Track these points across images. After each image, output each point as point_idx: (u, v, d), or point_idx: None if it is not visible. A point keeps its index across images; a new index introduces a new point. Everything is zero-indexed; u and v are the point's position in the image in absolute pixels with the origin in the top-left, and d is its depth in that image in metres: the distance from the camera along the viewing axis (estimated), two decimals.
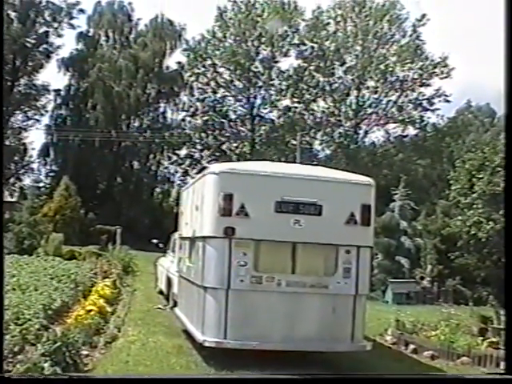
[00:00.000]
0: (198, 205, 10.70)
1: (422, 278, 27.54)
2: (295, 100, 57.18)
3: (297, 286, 9.90)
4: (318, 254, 10.21)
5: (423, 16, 54.90)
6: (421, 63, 55.13)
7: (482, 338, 12.64)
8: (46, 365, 7.34)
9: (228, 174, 9.97)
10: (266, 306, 9.83)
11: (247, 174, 10.09)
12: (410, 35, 55.55)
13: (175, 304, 13.38)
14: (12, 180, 52.24)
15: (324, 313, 10.04)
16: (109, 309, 13.49)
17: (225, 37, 56.62)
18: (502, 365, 9.74)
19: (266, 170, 10.29)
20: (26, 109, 52.29)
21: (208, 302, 9.82)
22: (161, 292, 17.89)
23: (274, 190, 9.92)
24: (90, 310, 11.86)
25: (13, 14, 47.75)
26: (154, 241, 20.25)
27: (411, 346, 12.54)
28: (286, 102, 57.69)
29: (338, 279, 10.08)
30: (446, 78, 55.06)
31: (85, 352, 9.49)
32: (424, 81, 55.60)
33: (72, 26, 52.29)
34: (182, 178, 58.85)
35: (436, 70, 54.95)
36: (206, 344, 9.74)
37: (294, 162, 43.93)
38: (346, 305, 10.11)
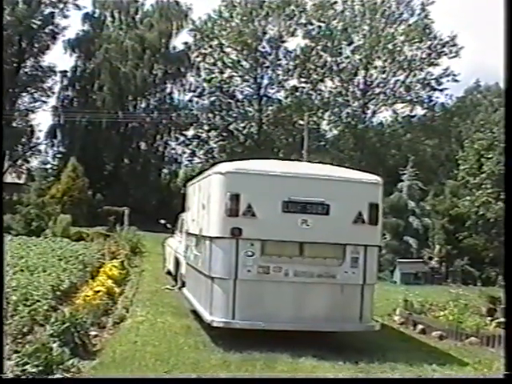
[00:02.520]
0: (205, 204, 10.62)
1: (431, 258, 27.54)
2: (302, 80, 56.94)
3: (304, 276, 9.87)
4: (326, 247, 10.15)
5: None
6: (429, 42, 54.73)
7: (490, 318, 12.62)
8: (54, 345, 7.35)
9: (235, 174, 9.86)
10: (274, 294, 9.82)
11: (254, 174, 9.97)
12: (419, 14, 55.12)
13: (183, 284, 13.38)
14: (19, 162, 52.27)
15: (332, 295, 10.03)
16: (117, 289, 13.51)
17: (231, 16, 56.29)
18: None
19: (273, 170, 10.17)
20: (33, 90, 52.09)
21: (215, 291, 9.83)
22: (169, 272, 17.91)
23: (282, 190, 9.85)
24: (98, 291, 11.87)
25: None
26: (162, 221, 20.20)
27: (419, 327, 12.51)
28: (294, 81, 57.63)
29: (345, 269, 10.04)
30: (454, 57, 54.80)
31: (93, 332, 9.52)
32: (432, 60, 55.23)
33: (78, 7, 51.87)
34: (190, 158, 59.06)
35: (444, 50, 54.60)
36: (214, 324, 9.74)
37: (302, 143, 43.86)
38: (354, 291, 10.12)
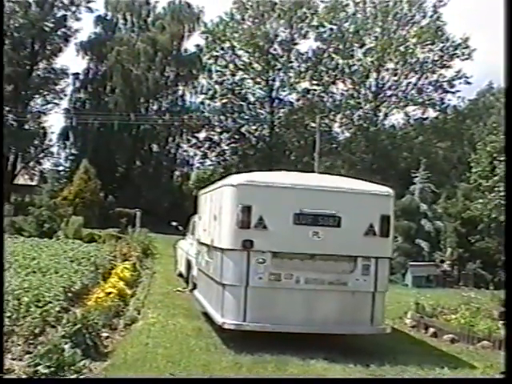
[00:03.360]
0: (217, 215, 10.63)
1: (442, 262, 27.41)
2: (314, 82, 56.85)
3: (315, 283, 9.87)
4: (337, 258, 10.16)
5: None
6: (441, 45, 54.46)
7: (502, 321, 12.54)
8: (66, 346, 7.37)
9: (246, 186, 9.86)
10: (285, 299, 9.82)
11: (266, 186, 9.93)
12: (431, 16, 54.79)
13: (195, 286, 13.39)
14: (32, 164, 52.59)
15: (343, 299, 10.04)
16: (128, 291, 13.53)
17: (243, 19, 56.35)
18: None
19: (285, 182, 10.16)
20: (45, 93, 52.39)
21: (226, 297, 9.86)
22: (180, 274, 17.94)
23: (293, 202, 9.84)
24: (110, 293, 11.90)
25: None
26: (174, 223, 20.23)
27: (431, 330, 12.46)
28: (305, 84, 57.48)
29: (356, 276, 10.04)
30: (467, 59, 54.45)
31: (105, 334, 9.54)
32: (444, 62, 54.98)
33: (90, 10, 52.22)
34: (201, 160, 59.15)
35: (457, 52, 54.32)
36: (226, 326, 9.76)
37: (314, 146, 43.81)
38: (366, 298, 10.13)
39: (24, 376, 6.76)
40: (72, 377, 6.87)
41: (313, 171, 41.21)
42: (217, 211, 10.63)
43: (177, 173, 57.77)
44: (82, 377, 7.00)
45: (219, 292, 10.07)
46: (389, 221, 10.24)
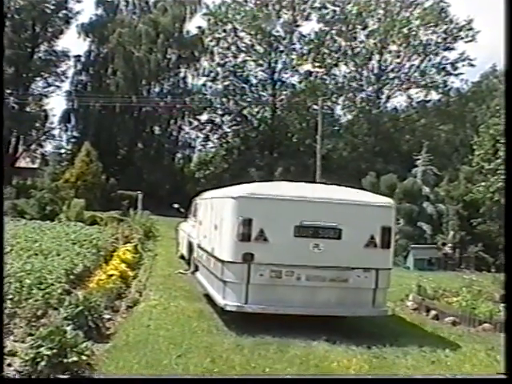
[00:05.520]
0: (217, 225, 10.68)
1: (444, 244, 27.40)
2: (316, 64, 56.62)
3: (317, 280, 9.93)
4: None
5: None
6: (445, 26, 54.14)
7: (503, 304, 12.56)
8: (68, 328, 7.39)
9: (247, 199, 9.88)
10: (286, 295, 9.89)
11: (266, 199, 9.94)
12: None
13: (196, 268, 13.43)
14: (33, 146, 52.53)
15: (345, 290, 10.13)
16: (130, 273, 13.58)
17: (245, 1, 56.02)
18: None
19: (285, 194, 10.15)
20: (47, 75, 52.20)
21: (228, 292, 9.92)
22: (182, 257, 17.96)
23: (294, 214, 9.88)
24: (112, 275, 11.93)
25: None
26: (175, 206, 20.26)
27: (432, 312, 12.49)
28: (308, 66, 57.28)
29: (358, 273, 10.09)
30: (470, 41, 54.18)
31: (107, 316, 9.58)
32: (448, 45, 54.73)
33: None
34: (203, 143, 59.08)
35: (460, 34, 54.02)
36: (227, 308, 9.80)
37: (316, 128, 43.69)
38: (367, 292, 10.22)
39: (24, 376, 6.77)
40: (74, 358, 6.88)
41: (315, 158, 41.24)
42: (218, 221, 10.69)
43: (178, 155, 57.64)
44: (83, 358, 7.02)
45: (220, 288, 10.15)
46: (390, 232, 10.28)
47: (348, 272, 10.03)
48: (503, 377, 7.15)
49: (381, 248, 10.17)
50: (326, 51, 56.01)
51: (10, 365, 6.97)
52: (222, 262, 10.01)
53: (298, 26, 56.23)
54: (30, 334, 7.64)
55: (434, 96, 57.43)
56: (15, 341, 7.78)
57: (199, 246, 13.00)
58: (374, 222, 10.21)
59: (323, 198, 10.28)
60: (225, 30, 56.40)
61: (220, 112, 58.52)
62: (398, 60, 55.83)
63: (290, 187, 11.10)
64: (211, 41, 56.12)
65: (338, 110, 58.53)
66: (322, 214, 9.98)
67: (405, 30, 53.92)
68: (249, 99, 57.91)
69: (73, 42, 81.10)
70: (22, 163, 51.61)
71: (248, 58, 57.84)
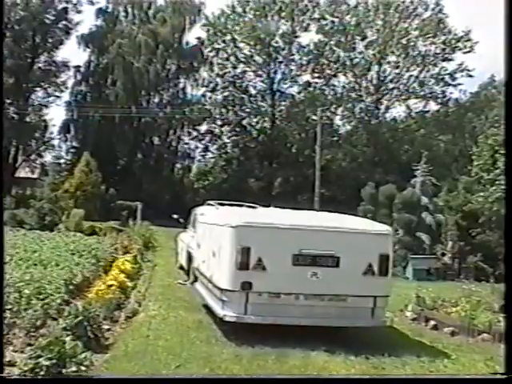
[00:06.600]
0: (216, 252, 10.72)
1: (443, 255, 27.37)
2: (316, 75, 56.75)
3: (315, 300, 9.97)
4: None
5: None
6: (443, 37, 54.25)
7: (503, 314, 12.55)
8: (67, 339, 7.39)
9: (245, 228, 9.92)
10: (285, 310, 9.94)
11: (264, 227, 10.00)
12: (433, 8, 54.56)
13: (196, 279, 13.42)
14: (33, 157, 52.51)
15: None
16: (129, 284, 13.57)
17: (244, 11, 56.18)
18: None
19: (284, 223, 10.20)
20: (47, 85, 52.18)
21: (227, 310, 9.94)
22: (181, 267, 17.95)
23: (292, 243, 9.91)
24: (111, 285, 11.93)
25: None
26: (175, 216, 20.24)
27: (431, 322, 12.50)
28: (307, 77, 57.36)
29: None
30: (469, 52, 54.24)
31: (106, 326, 9.59)
32: (446, 55, 54.81)
33: (91, 2, 51.92)
34: (203, 153, 59.06)
35: (459, 45, 54.10)
36: (226, 319, 9.81)
37: (315, 139, 43.71)
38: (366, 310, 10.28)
39: (25, 374, 6.76)
40: (73, 369, 6.89)
41: (314, 169, 41.26)
42: (216, 249, 10.72)
43: (178, 165, 57.61)
44: (83, 368, 7.02)
45: (218, 302, 10.21)
46: (388, 260, 10.32)
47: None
48: (503, 377, 7.16)
49: (379, 275, 10.20)
50: (325, 62, 56.09)
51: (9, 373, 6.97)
52: (221, 290, 10.04)
53: (296, 36, 56.29)
54: (29, 345, 7.66)
55: (433, 106, 57.59)
56: (14, 351, 7.78)
57: (197, 269, 13.00)
58: (372, 249, 10.26)
59: (321, 226, 10.34)
60: (224, 41, 56.51)
61: (219, 122, 58.51)
62: (397, 70, 55.91)
63: (287, 215, 11.11)
64: (210, 51, 56.22)
65: (337, 121, 58.50)
66: (319, 243, 10.02)
67: (403, 41, 54.06)
68: (248, 110, 57.95)
69: (73, 53, 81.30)
70: (22, 173, 51.58)
71: (247, 69, 57.92)
